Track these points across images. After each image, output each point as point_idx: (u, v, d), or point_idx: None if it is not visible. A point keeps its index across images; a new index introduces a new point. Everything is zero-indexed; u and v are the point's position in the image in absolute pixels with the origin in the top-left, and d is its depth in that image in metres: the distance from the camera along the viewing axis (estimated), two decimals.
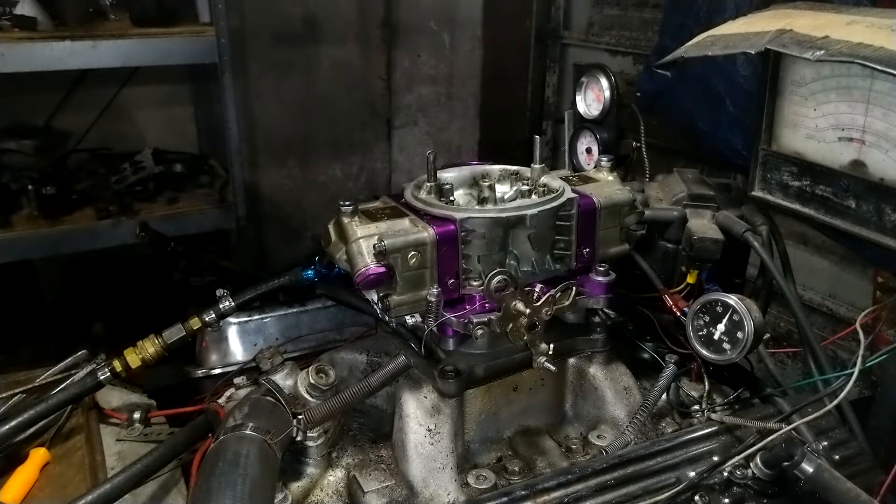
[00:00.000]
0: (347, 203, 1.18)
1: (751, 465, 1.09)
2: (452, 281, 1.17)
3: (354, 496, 1.15)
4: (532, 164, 1.34)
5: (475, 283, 1.16)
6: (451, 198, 1.30)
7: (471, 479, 1.17)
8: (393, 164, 3.15)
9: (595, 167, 1.45)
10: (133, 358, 1.30)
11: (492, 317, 1.15)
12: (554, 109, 3.33)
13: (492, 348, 1.23)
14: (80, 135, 2.74)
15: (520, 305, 1.14)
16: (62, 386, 1.30)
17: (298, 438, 1.09)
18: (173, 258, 2.33)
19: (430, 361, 1.20)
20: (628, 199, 1.32)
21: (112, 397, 1.43)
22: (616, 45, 2.83)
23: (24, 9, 2.25)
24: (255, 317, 1.74)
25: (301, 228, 2.87)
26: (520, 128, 3.38)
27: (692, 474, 1.07)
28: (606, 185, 1.35)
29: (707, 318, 1.22)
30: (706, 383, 1.33)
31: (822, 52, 1.18)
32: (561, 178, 1.34)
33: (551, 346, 1.19)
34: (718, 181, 1.60)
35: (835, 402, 1.15)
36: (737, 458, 1.09)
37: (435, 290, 1.13)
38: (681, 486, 1.05)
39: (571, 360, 1.33)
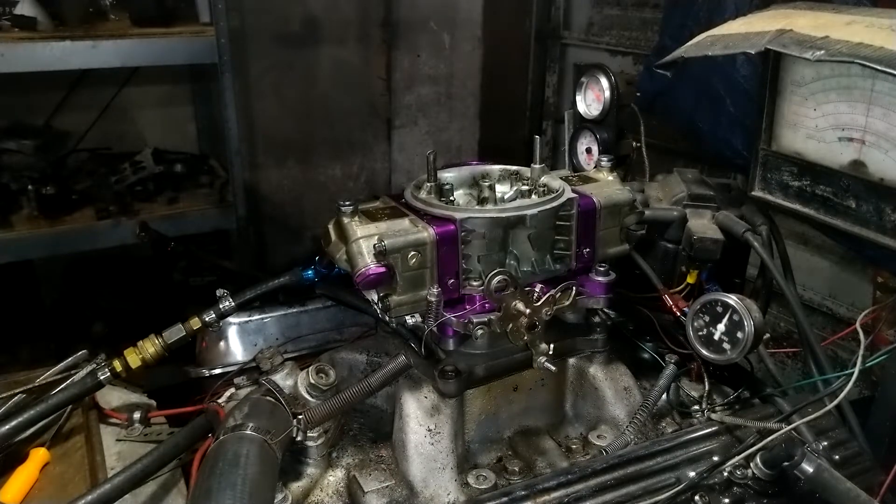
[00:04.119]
0: (347, 203, 1.18)
1: (751, 465, 1.08)
2: (452, 281, 1.17)
3: (354, 496, 1.15)
4: (532, 164, 1.34)
5: (475, 283, 1.16)
6: (451, 198, 1.30)
7: (471, 479, 1.17)
8: (393, 164, 3.15)
9: (595, 167, 1.45)
10: (133, 358, 1.30)
11: (492, 317, 1.15)
12: (554, 109, 3.34)
13: (492, 348, 1.23)
14: (80, 135, 2.74)
15: (520, 305, 1.14)
16: (62, 386, 1.31)
17: (298, 438, 1.09)
18: (173, 258, 2.34)
19: (430, 361, 1.20)
20: (628, 199, 1.32)
21: (112, 397, 1.43)
22: (616, 45, 2.83)
23: (24, 9, 2.25)
24: (255, 317, 1.74)
25: (301, 228, 2.87)
26: (520, 128, 3.38)
27: (692, 474, 1.07)
28: (606, 185, 1.34)
29: (707, 318, 1.22)
30: (706, 383, 1.33)
31: (822, 52, 1.18)
32: (561, 178, 1.34)
33: (551, 346, 1.19)
34: (718, 181, 1.60)
35: (835, 402, 1.15)
36: (737, 458, 1.09)
37: (435, 290, 1.13)
38: (681, 486, 1.05)
39: (571, 360, 1.32)
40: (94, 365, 1.32)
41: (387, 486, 1.15)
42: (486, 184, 1.37)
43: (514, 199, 1.31)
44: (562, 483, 1.06)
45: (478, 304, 1.18)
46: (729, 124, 1.74)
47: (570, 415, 1.34)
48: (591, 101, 1.91)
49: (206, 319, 1.36)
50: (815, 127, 1.36)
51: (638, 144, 1.82)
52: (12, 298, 2.47)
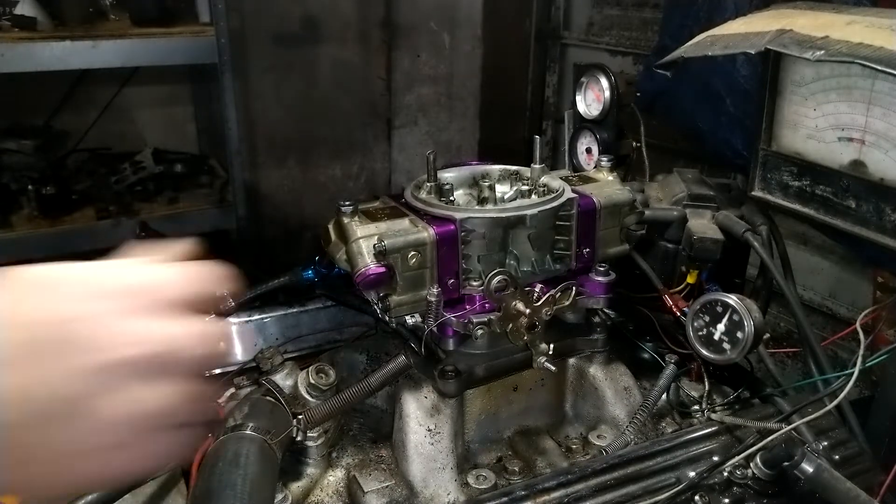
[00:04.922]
0: (347, 203, 1.18)
1: (751, 465, 1.08)
2: (452, 281, 1.17)
3: (354, 496, 1.15)
4: (532, 164, 1.34)
5: (475, 283, 1.16)
6: (451, 198, 1.30)
7: (471, 479, 1.17)
8: (393, 164, 3.15)
9: (595, 167, 1.45)
10: None
11: (492, 317, 1.15)
12: (554, 109, 3.34)
13: (492, 348, 1.23)
14: (80, 135, 2.74)
15: (520, 305, 1.14)
16: None
17: (298, 438, 1.09)
18: None
19: (430, 361, 1.20)
20: (628, 199, 1.32)
21: None
22: (616, 45, 2.83)
23: (24, 9, 2.26)
24: (255, 317, 1.73)
25: (301, 228, 2.87)
26: (520, 128, 3.38)
27: (692, 474, 1.07)
28: (606, 185, 1.34)
29: (707, 318, 1.22)
30: (706, 383, 1.33)
31: (822, 52, 1.18)
32: (561, 178, 1.34)
33: (551, 346, 1.19)
34: (718, 181, 1.60)
35: (835, 402, 1.15)
36: (737, 458, 1.09)
37: (435, 290, 1.12)
38: (681, 486, 1.05)
39: (571, 360, 1.32)
40: None
41: (387, 486, 1.15)
42: (486, 184, 1.37)
43: (514, 199, 1.31)
44: (562, 483, 1.06)
45: (478, 304, 1.18)
46: (729, 124, 1.74)
47: (570, 415, 1.34)
48: (591, 101, 1.91)
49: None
50: (815, 127, 1.36)
51: (638, 144, 1.82)
52: None
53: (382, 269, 1.11)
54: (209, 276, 0.61)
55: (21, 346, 0.49)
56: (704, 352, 1.23)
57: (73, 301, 0.52)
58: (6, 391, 0.48)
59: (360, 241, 1.13)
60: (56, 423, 0.50)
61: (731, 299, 1.18)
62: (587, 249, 1.28)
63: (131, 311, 0.54)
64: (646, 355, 1.46)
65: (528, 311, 1.14)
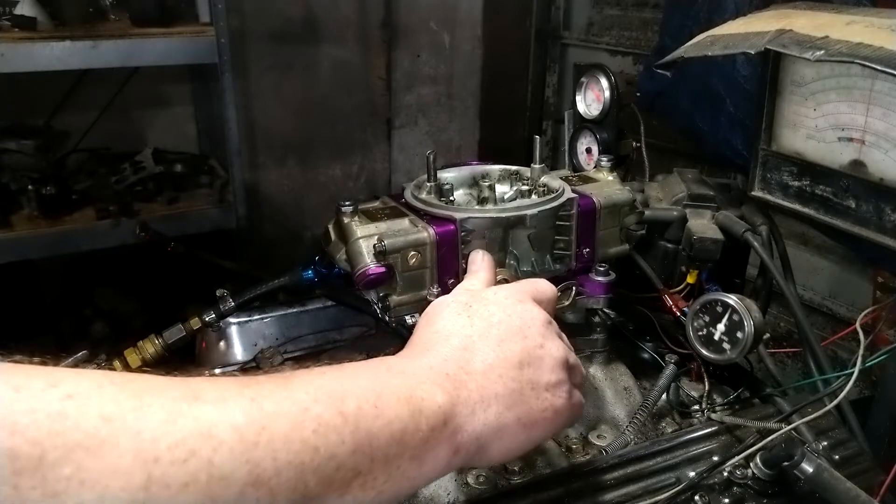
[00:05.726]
0: (347, 203, 1.18)
1: (751, 465, 1.08)
2: (452, 281, 1.17)
3: None
4: (532, 164, 1.34)
5: None
6: (451, 198, 1.30)
7: (470, 479, 1.17)
8: (393, 164, 3.16)
9: (595, 167, 1.45)
10: (133, 358, 1.30)
11: None
12: (554, 109, 3.34)
13: None
14: (80, 135, 2.74)
15: None
16: None
17: None
18: (173, 258, 2.34)
19: None
20: (628, 199, 1.32)
21: None
22: (616, 45, 2.84)
23: (24, 9, 2.26)
24: (255, 317, 1.73)
25: (301, 228, 2.87)
26: (520, 128, 3.39)
27: (692, 474, 1.07)
28: (606, 185, 1.34)
29: (707, 318, 1.22)
30: (706, 383, 1.33)
31: (822, 52, 1.18)
32: (561, 178, 1.34)
33: None
34: (718, 181, 1.60)
35: (835, 402, 1.15)
36: (737, 458, 1.08)
37: (435, 290, 1.12)
38: (681, 486, 1.05)
39: None
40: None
41: None
42: (486, 184, 1.37)
43: (514, 199, 1.31)
44: (562, 483, 1.06)
45: None
46: (729, 124, 1.75)
47: None
48: (591, 101, 1.91)
49: (206, 319, 1.36)
50: (815, 127, 1.36)
51: (638, 144, 1.82)
52: (12, 298, 2.47)
53: (382, 269, 1.11)
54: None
55: (511, 328, 0.83)
56: (704, 352, 1.23)
57: (515, 299, 0.89)
58: (517, 350, 0.80)
59: (360, 241, 1.13)
60: (536, 363, 0.81)
61: (731, 299, 1.18)
62: (587, 249, 1.27)
63: (540, 302, 0.91)
64: (646, 355, 1.46)
65: None
